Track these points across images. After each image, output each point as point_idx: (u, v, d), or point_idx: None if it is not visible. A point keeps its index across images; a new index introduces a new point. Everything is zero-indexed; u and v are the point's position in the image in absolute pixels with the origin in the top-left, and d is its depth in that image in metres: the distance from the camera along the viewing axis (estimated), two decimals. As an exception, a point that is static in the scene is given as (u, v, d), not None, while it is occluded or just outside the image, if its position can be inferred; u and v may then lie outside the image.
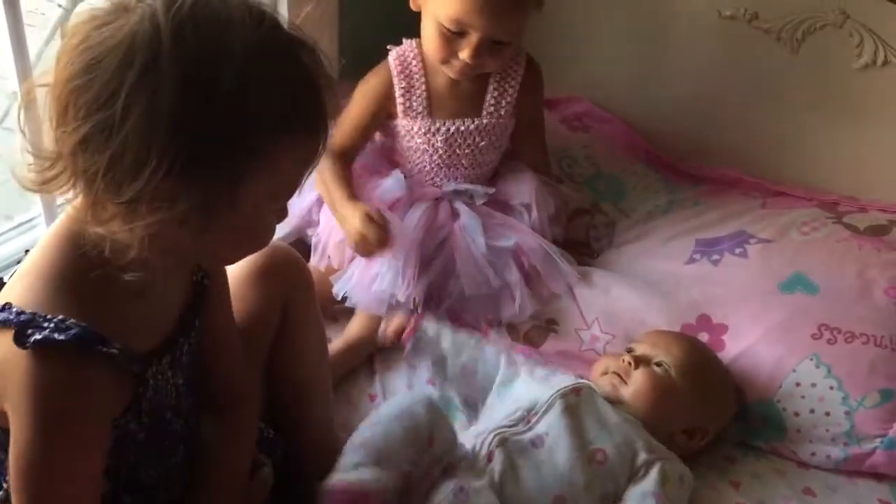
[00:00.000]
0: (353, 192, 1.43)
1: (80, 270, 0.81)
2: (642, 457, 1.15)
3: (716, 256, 1.50)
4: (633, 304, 1.44)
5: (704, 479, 1.24)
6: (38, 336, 0.77)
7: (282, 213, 0.87)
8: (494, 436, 1.14)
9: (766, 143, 1.70)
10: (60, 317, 0.79)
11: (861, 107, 1.61)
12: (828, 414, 1.29)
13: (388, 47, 1.49)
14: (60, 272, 0.82)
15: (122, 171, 0.73)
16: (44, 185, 0.79)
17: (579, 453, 1.13)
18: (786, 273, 1.43)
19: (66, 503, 0.82)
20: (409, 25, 1.44)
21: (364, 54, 1.48)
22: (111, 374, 0.82)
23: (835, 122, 1.64)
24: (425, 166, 1.51)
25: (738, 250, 1.50)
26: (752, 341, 1.35)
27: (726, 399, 1.30)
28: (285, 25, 0.80)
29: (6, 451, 0.81)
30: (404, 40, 1.49)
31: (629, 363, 1.25)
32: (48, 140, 0.77)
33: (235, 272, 1.15)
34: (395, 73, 1.47)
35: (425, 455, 1.08)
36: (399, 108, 1.48)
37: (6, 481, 0.84)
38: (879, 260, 1.44)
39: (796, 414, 1.30)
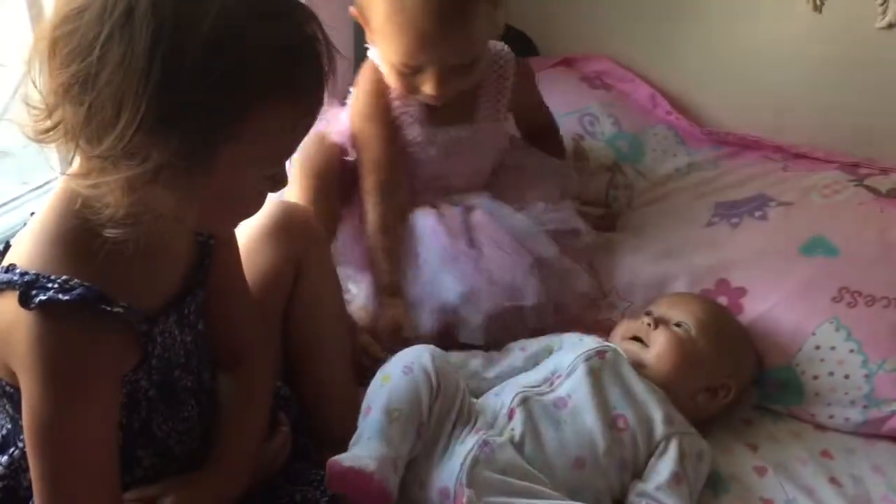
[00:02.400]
0: (399, 278, 1.33)
1: (82, 230, 0.81)
2: (660, 430, 1.15)
3: (735, 220, 1.49)
4: (651, 270, 1.43)
5: (721, 441, 1.24)
6: (42, 297, 0.78)
7: (277, 182, 0.86)
8: (516, 394, 1.14)
9: (787, 105, 1.69)
10: (64, 277, 0.79)
11: (883, 67, 1.59)
12: (847, 377, 1.28)
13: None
14: (63, 232, 0.82)
15: (100, 123, 0.73)
16: (40, 136, 0.78)
17: (602, 417, 1.13)
18: (806, 236, 1.41)
19: (81, 459, 0.83)
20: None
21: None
22: (117, 332, 0.83)
23: (857, 82, 1.61)
24: (418, 174, 1.42)
25: (758, 213, 1.48)
26: (771, 304, 1.35)
27: (747, 354, 1.30)
28: None
29: (20, 411, 0.82)
30: (369, 56, 1.38)
31: (649, 325, 1.25)
32: (43, 90, 0.77)
33: (248, 230, 1.16)
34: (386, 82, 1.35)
35: (434, 405, 1.09)
36: (395, 112, 1.38)
37: (21, 440, 0.85)
38: (901, 223, 1.42)
39: (815, 377, 1.29)
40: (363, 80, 1.38)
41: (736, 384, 1.25)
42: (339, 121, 1.43)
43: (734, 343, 1.28)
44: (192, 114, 0.73)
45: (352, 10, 1.30)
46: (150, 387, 0.91)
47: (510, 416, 1.12)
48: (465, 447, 1.07)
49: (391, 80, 1.30)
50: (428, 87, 1.26)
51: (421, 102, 1.35)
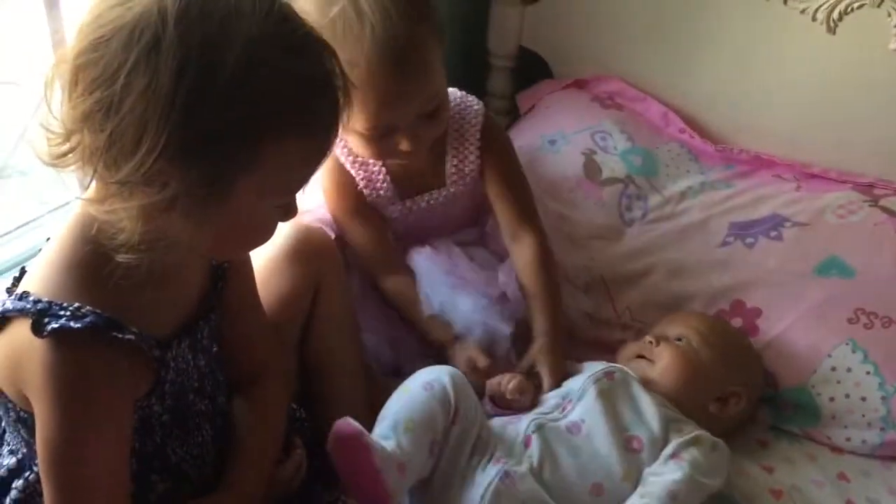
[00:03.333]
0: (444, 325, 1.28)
1: (96, 256, 0.82)
2: (672, 440, 1.14)
3: (750, 240, 1.49)
4: (666, 290, 1.44)
5: (736, 463, 1.23)
6: (54, 324, 0.78)
7: (288, 211, 0.87)
8: (531, 421, 1.14)
9: (801, 125, 1.68)
10: (76, 304, 0.80)
11: (896, 88, 1.58)
12: (864, 399, 1.28)
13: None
14: (77, 259, 0.83)
15: (120, 149, 0.74)
16: (56, 161, 0.79)
17: (616, 441, 1.13)
18: (821, 257, 1.41)
19: (94, 485, 0.83)
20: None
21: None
22: (129, 358, 0.83)
23: (871, 103, 1.61)
24: (401, 237, 1.39)
25: (773, 233, 1.48)
26: (786, 326, 1.35)
27: (751, 359, 1.31)
28: (298, 20, 0.80)
29: (34, 435, 0.83)
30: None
31: (650, 342, 1.26)
32: (62, 115, 0.78)
33: (267, 253, 1.16)
34: (347, 164, 1.32)
35: (452, 427, 1.09)
36: (367, 199, 1.34)
37: (35, 464, 0.86)
38: (917, 244, 1.42)
39: (831, 399, 1.29)
40: (326, 179, 1.33)
41: (745, 391, 1.25)
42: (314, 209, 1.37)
43: (736, 350, 1.29)
44: (213, 144, 0.74)
45: None
46: (163, 412, 0.91)
47: (527, 443, 1.12)
48: (486, 477, 1.07)
49: (360, 149, 1.26)
50: (403, 144, 1.22)
51: (391, 181, 1.32)
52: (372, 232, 1.33)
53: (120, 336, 0.81)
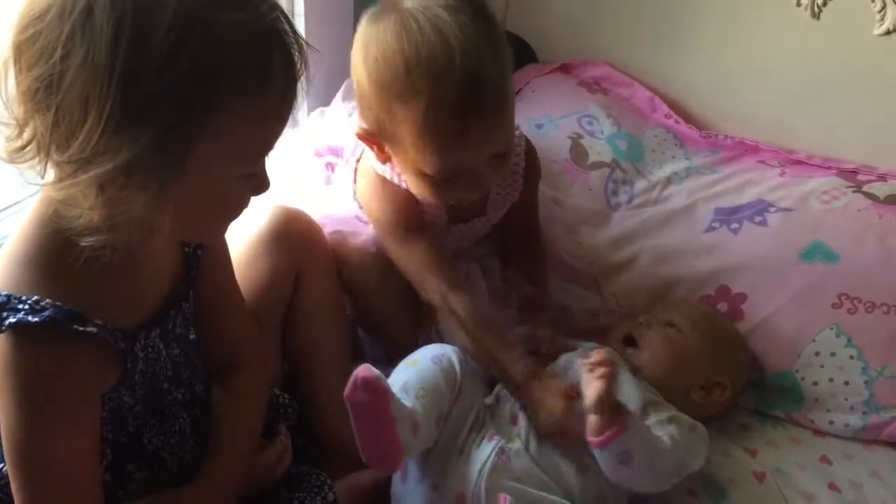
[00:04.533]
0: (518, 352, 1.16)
1: (56, 249, 0.80)
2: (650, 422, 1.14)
3: (735, 225, 1.49)
4: (651, 275, 1.44)
5: (719, 445, 1.24)
6: (12, 319, 0.77)
7: (257, 184, 0.84)
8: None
9: (785, 111, 1.68)
10: (35, 297, 0.78)
11: (881, 74, 1.59)
12: (847, 383, 1.29)
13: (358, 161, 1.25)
14: (35, 252, 0.81)
15: (68, 125, 0.71)
16: (14, 156, 0.76)
17: None
18: (806, 242, 1.42)
19: (60, 477, 0.82)
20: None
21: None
22: (92, 351, 0.81)
23: (854, 89, 1.61)
24: None
25: (757, 219, 1.48)
26: (771, 311, 1.35)
27: (741, 352, 1.31)
28: None
29: None
30: (375, 157, 1.20)
31: (641, 323, 1.26)
32: (13, 104, 0.76)
33: (248, 237, 1.16)
34: (404, 184, 1.20)
35: (456, 403, 1.08)
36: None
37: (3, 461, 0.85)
38: (900, 229, 1.42)
39: (815, 383, 1.30)
40: (380, 199, 1.22)
41: (731, 382, 1.25)
42: (355, 232, 1.28)
43: (727, 341, 1.29)
44: (159, 109, 0.71)
45: (357, 132, 1.17)
46: (135, 402, 0.89)
47: (514, 420, 1.12)
48: (482, 452, 1.06)
49: (419, 190, 1.17)
50: (466, 188, 1.15)
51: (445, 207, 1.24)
52: (435, 250, 1.21)
53: (81, 329, 0.79)
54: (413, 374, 1.07)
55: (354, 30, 1.14)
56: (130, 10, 0.70)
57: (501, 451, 1.06)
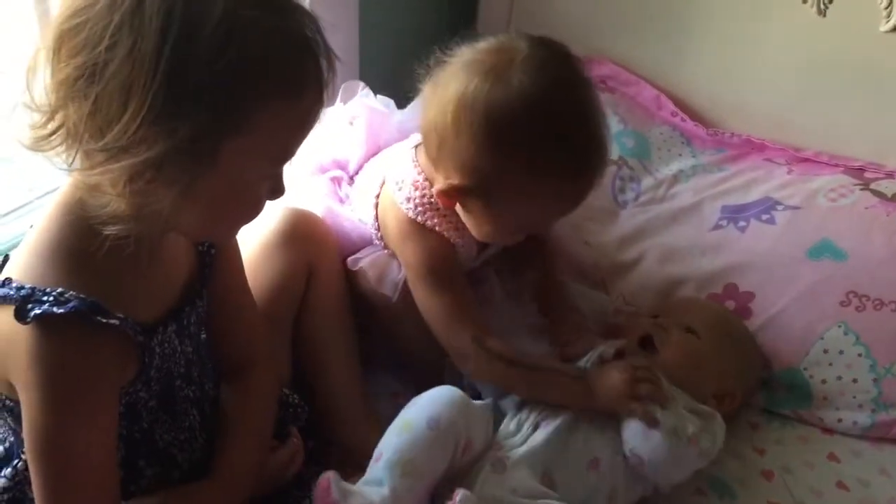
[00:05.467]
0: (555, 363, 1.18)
1: (79, 238, 0.81)
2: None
3: (742, 223, 1.49)
4: (659, 274, 1.44)
5: (728, 445, 1.22)
6: (37, 310, 0.78)
7: (274, 189, 0.86)
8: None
9: (791, 108, 1.68)
10: (59, 289, 0.79)
11: (888, 71, 1.58)
12: (855, 381, 1.29)
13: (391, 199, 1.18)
14: (60, 245, 0.82)
15: (106, 115, 0.72)
16: (40, 143, 0.77)
17: (614, 427, 1.11)
18: (813, 240, 1.41)
19: (81, 471, 0.82)
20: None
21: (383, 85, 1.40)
22: (114, 343, 0.82)
23: (861, 86, 1.61)
24: None
25: (765, 217, 1.48)
26: (779, 309, 1.35)
27: (755, 360, 1.30)
28: None
29: (21, 423, 0.82)
30: (404, 183, 1.17)
31: (660, 325, 1.25)
32: (46, 91, 0.76)
33: (259, 238, 1.16)
34: (444, 231, 1.17)
35: (462, 456, 1.05)
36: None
37: (24, 452, 0.85)
38: (908, 227, 1.42)
39: (823, 381, 1.30)
40: (416, 241, 1.17)
41: (742, 392, 1.25)
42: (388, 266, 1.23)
43: (744, 353, 1.28)
44: (199, 104, 0.72)
45: (438, 188, 1.11)
46: (150, 397, 0.90)
47: (534, 427, 1.11)
48: (477, 466, 1.05)
49: (492, 236, 1.16)
50: (531, 232, 1.22)
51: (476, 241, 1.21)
52: (466, 295, 1.18)
53: (104, 321, 0.80)
54: (404, 444, 1.00)
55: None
56: (181, 5, 0.71)
57: (498, 461, 1.05)
